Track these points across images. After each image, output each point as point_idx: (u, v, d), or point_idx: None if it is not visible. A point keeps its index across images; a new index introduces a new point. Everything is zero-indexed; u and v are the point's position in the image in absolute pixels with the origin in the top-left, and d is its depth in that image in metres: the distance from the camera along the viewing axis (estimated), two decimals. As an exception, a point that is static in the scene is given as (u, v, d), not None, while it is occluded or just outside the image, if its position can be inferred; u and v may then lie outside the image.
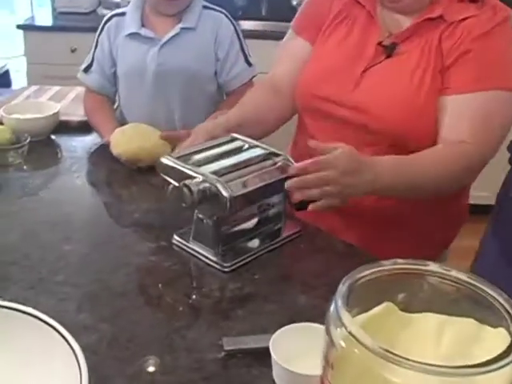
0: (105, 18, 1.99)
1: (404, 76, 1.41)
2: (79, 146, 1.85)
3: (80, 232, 1.37)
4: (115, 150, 1.68)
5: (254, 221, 1.34)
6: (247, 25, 3.53)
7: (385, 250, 1.36)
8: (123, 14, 1.95)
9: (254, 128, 1.54)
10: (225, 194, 1.18)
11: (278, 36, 1.72)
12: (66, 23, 3.52)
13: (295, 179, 1.23)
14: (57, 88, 2.25)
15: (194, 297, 1.16)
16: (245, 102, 1.62)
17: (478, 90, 1.35)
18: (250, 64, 2.01)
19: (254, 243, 1.32)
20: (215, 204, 1.20)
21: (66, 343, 0.89)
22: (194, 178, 1.21)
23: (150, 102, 1.96)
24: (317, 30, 1.57)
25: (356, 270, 0.78)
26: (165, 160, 1.28)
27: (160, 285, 1.20)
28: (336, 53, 1.52)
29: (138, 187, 1.59)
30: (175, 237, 1.33)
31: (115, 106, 2.06)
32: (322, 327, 0.71)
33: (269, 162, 1.31)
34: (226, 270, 1.24)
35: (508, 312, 0.70)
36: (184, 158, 1.28)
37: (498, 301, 0.72)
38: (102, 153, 1.78)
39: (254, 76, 2.03)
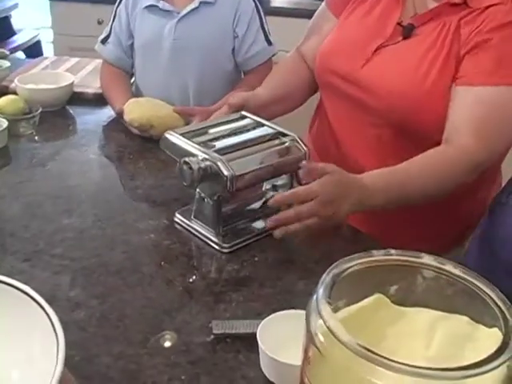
0: (123, -11, 1.96)
1: (414, 58, 1.36)
2: (92, 118, 1.84)
3: (82, 206, 1.35)
4: (128, 116, 1.67)
5: (259, 203, 1.31)
6: (278, 1, 3.47)
7: (395, 239, 1.34)
8: (142, -15, 1.92)
9: (285, 103, 1.57)
10: (226, 172, 1.14)
11: (310, 14, 1.68)
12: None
13: (275, 217, 1.18)
14: (76, 59, 2.23)
15: (189, 277, 1.14)
16: (275, 77, 1.63)
17: (491, 84, 1.29)
18: (270, 43, 1.96)
19: (257, 225, 1.29)
20: (216, 183, 1.17)
21: (45, 315, 0.86)
22: (196, 155, 1.18)
23: (165, 76, 1.92)
24: (345, 5, 1.54)
25: (344, 260, 0.75)
26: (169, 135, 1.25)
27: (156, 264, 1.18)
28: (355, 28, 1.49)
29: (146, 162, 1.57)
30: (177, 215, 1.30)
31: (132, 81, 2.03)
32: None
33: (276, 142, 1.27)
34: (224, 250, 1.22)
35: (502, 312, 0.67)
36: (189, 135, 1.25)
37: (493, 299, 0.69)
38: (114, 126, 1.77)
39: (273, 55, 1.98)
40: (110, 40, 1.96)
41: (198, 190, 1.25)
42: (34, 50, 4.40)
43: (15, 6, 4.30)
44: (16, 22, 4.43)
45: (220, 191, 1.18)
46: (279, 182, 1.31)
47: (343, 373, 0.62)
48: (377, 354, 0.60)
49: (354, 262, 0.74)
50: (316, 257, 1.21)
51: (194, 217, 1.27)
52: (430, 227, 1.50)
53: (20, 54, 4.30)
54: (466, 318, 0.71)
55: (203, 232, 1.25)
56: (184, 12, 1.86)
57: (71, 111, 1.88)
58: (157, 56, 1.90)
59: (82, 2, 3.39)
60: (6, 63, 2.05)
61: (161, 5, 1.86)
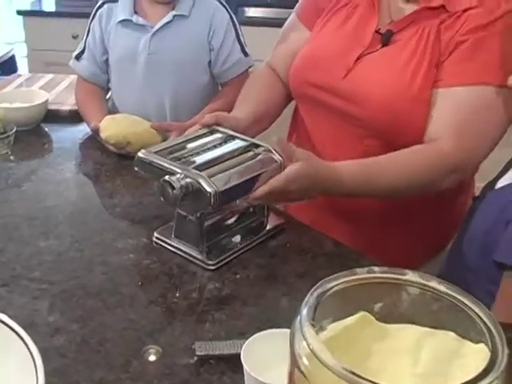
0: (97, 5, 1.93)
1: (397, 67, 1.35)
2: (68, 136, 1.82)
3: (59, 227, 1.33)
4: (104, 133, 1.65)
5: (235, 217, 1.29)
6: (252, 11, 3.48)
7: (380, 249, 1.33)
8: (115, 0, 1.90)
9: (264, 121, 1.56)
10: (208, 189, 1.13)
11: (283, 23, 1.67)
12: (68, 9, 3.46)
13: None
14: (50, 76, 2.21)
15: (170, 298, 1.12)
16: (251, 96, 1.59)
17: (468, 84, 1.29)
18: (246, 54, 1.94)
19: (238, 238, 1.28)
20: (198, 200, 1.15)
21: (24, 346, 0.84)
22: (175, 173, 1.16)
23: (141, 91, 1.90)
24: (317, 16, 1.52)
25: (327, 279, 0.73)
26: (143, 155, 1.23)
27: (136, 284, 1.16)
28: (331, 39, 1.47)
29: (124, 180, 1.55)
30: (156, 234, 1.28)
31: (107, 97, 2.01)
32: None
33: (250, 154, 1.26)
34: (210, 267, 1.20)
35: (488, 327, 0.66)
36: (163, 153, 1.23)
37: (478, 315, 0.68)
38: (90, 144, 1.75)
39: (250, 66, 1.97)
40: (84, 56, 1.93)
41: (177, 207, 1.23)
42: (8, 66, 4.35)
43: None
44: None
45: (202, 208, 1.17)
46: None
47: (329, 396, 0.60)
48: (363, 378, 0.58)
49: (338, 281, 0.73)
50: (299, 272, 1.20)
51: (175, 235, 1.25)
52: (412, 237, 1.50)
53: (-7, 71, 4.26)
54: (452, 334, 0.70)
55: (186, 250, 1.23)
56: (158, 26, 1.84)
57: (46, 129, 1.86)
58: (132, 71, 1.88)
59: (55, 16, 3.37)
60: (-21, 82, 2.02)
61: (134, 19, 1.84)
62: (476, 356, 0.66)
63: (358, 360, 0.69)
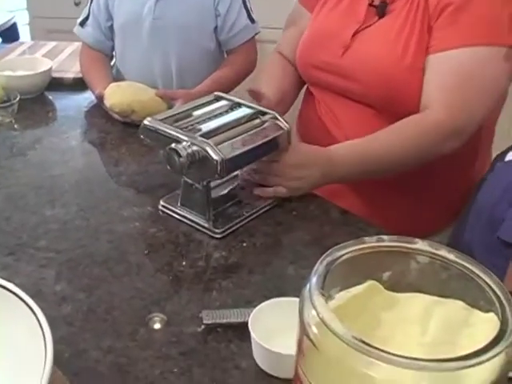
0: (101, -30, 1.91)
1: (390, 38, 1.35)
2: (72, 104, 1.80)
3: (64, 196, 1.32)
4: (109, 101, 1.64)
5: (237, 184, 1.30)
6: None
7: (387, 217, 1.33)
8: (120, -35, 1.87)
9: (285, 106, 1.56)
10: (215, 157, 1.12)
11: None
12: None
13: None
14: (53, 43, 2.18)
15: (176, 266, 1.11)
16: (271, 80, 1.59)
17: (459, 46, 1.27)
18: (252, 21, 1.92)
19: (244, 206, 1.27)
20: (204, 168, 1.14)
21: (31, 312, 0.84)
22: (181, 141, 1.15)
23: (146, 57, 1.89)
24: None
25: (336, 247, 0.73)
26: (148, 123, 1.21)
27: (143, 253, 1.15)
28: (328, 18, 1.48)
29: (129, 148, 1.54)
30: (162, 202, 1.27)
31: (112, 63, 1.99)
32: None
33: (257, 121, 1.25)
34: (217, 236, 1.19)
35: (498, 296, 0.66)
36: (169, 120, 1.22)
37: (488, 284, 0.68)
38: (94, 112, 1.74)
39: (256, 33, 1.95)
40: (88, 22, 1.92)
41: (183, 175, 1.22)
42: (10, 33, 4.32)
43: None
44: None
45: (209, 176, 1.16)
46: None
47: (337, 365, 0.60)
48: (372, 347, 0.58)
49: (347, 249, 0.72)
50: (305, 240, 1.19)
51: (181, 203, 1.25)
52: (425, 202, 1.49)
53: (-5, 38, 4.23)
54: (461, 303, 0.70)
55: (193, 218, 1.22)
56: (163, -10, 1.82)
57: (50, 97, 1.84)
58: (137, 36, 1.87)
59: (57, -18, 3.32)
60: (-18, 50, 2.00)
61: (139, -17, 1.82)
62: (485, 325, 0.65)
63: (366, 328, 0.69)
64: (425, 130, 1.29)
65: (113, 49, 1.96)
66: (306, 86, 1.63)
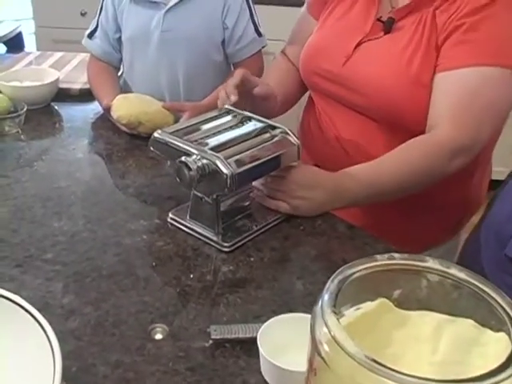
0: (110, -18, 1.92)
1: (395, 52, 1.35)
2: (79, 115, 1.80)
3: (72, 208, 1.32)
4: (116, 113, 1.64)
5: (251, 197, 1.30)
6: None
7: (391, 232, 1.32)
8: (129, -23, 1.88)
9: (285, 104, 1.59)
10: (225, 171, 1.12)
11: (298, 2, 1.67)
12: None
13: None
14: (60, 54, 2.19)
15: (184, 280, 1.11)
16: (271, 78, 1.61)
17: (467, 66, 1.28)
18: (260, 34, 1.93)
19: (253, 220, 1.27)
20: (214, 182, 1.14)
21: (38, 326, 0.84)
22: (191, 154, 1.15)
23: (154, 69, 1.89)
24: (323, 6, 1.54)
25: (348, 265, 0.72)
26: (159, 135, 1.22)
27: (150, 266, 1.15)
28: (334, 28, 1.49)
29: (136, 160, 1.54)
30: (171, 215, 1.27)
31: (119, 74, 2.00)
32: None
33: (267, 136, 1.25)
34: (226, 249, 1.19)
35: (509, 316, 0.66)
36: (179, 133, 1.22)
37: (499, 303, 0.67)
38: (101, 123, 1.73)
39: (263, 46, 1.95)
40: (96, 34, 1.92)
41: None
42: (15, 42, 4.34)
43: (-7, -2, 4.24)
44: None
45: (218, 190, 1.16)
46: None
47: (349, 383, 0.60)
48: (384, 366, 0.58)
49: (358, 267, 0.72)
50: (313, 254, 1.19)
51: (190, 216, 1.25)
52: (426, 217, 1.49)
53: (0, 47, 4.24)
54: (471, 322, 0.70)
55: (201, 232, 1.22)
56: (172, 3, 1.83)
57: (57, 108, 1.84)
58: (145, 49, 1.87)
59: (64, -7, 3.34)
60: (-12, 60, 2.01)
61: (148, -4, 1.83)
62: (496, 345, 0.65)
63: (376, 346, 0.69)
64: (432, 150, 1.29)
65: (121, 60, 1.97)
66: (308, 96, 1.63)
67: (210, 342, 0.97)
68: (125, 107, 1.63)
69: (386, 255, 0.74)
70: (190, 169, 1.11)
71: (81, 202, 1.35)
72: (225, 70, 1.96)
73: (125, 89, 1.95)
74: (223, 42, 1.90)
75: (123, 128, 1.65)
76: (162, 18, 1.83)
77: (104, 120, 1.74)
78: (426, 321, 0.72)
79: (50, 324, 0.83)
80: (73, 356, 0.93)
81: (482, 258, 1.24)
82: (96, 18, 1.94)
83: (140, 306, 1.05)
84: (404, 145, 1.30)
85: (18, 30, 4.38)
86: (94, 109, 1.83)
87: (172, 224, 1.26)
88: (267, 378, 0.90)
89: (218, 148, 1.18)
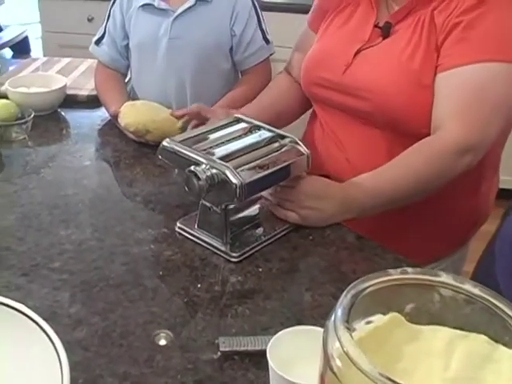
0: (118, -11, 1.92)
1: (393, 56, 1.35)
2: (86, 122, 1.80)
3: (79, 216, 1.32)
4: (123, 120, 1.63)
5: (257, 207, 1.29)
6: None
7: (399, 242, 1.32)
8: (137, -16, 1.88)
9: (281, 122, 1.60)
10: (234, 181, 1.11)
11: (304, 9, 1.67)
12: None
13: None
14: (67, 60, 2.19)
15: (192, 290, 1.10)
16: (262, 99, 1.65)
17: (469, 63, 1.26)
18: (267, 41, 1.93)
19: (261, 230, 1.26)
20: (223, 192, 1.14)
21: (48, 340, 0.83)
22: (200, 163, 1.14)
23: (162, 76, 1.89)
24: (322, 19, 1.55)
25: (361, 280, 0.72)
26: (167, 144, 1.21)
27: (158, 276, 1.14)
28: (333, 38, 1.49)
29: (144, 168, 1.53)
30: (178, 224, 1.27)
31: (126, 80, 1.99)
32: (325, 331, 0.66)
33: (276, 145, 1.24)
34: (234, 259, 1.18)
35: (523, 332, 0.64)
36: (187, 142, 1.22)
37: (513, 319, 0.66)
38: (108, 130, 1.73)
39: (271, 54, 1.95)
40: (104, 41, 1.92)
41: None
42: (21, 47, 4.35)
43: (1, 1, 4.25)
44: (2, 18, 4.38)
45: (228, 200, 1.15)
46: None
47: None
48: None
49: (371, 281, 0.71)
50: (322, 265, 1.18)
51: (198, 226, 1.24)
52: (433, 228, 1.48)
53: (7, 51, 4.26)
54: (484, 337, 0.69)
55: (209, 241, 1.22)
56: (180, 10, 1.82)
57: (64, 114, 1.84)
58: (153, 56, 1.87)
59: (70, -2, 3.34)
60: (-4, 66, 2.01)
61: (156, 3, 1.83)
62: (510, 361, 0.65)
63: (388, 361, 0.68)
64: (438, 152, 1.27)
65: (128, 67, 1.96)
66: (312, 110, 1.63)
67: (219, 354, 0.96)
68: (132, 115, 1.62)
69: (399, 269, 0.73)
70: (199, 178, 1.11)
71: (88, 210, 1.34)
72: (232, 77, 1.96)
73: (132, 95, 1.95)
74: (231, 49, 1.90)
75: (131, 136, 1.64)
76: (170, 25, 1.83)
77: (111, 127, 1.73)
78: (438, 336, 0.71)
79: (57, 334, 0.83)
80: (80, 367, 0.92)
81: (497, 270, 1.23)
82: (103, 25, 1.93)
83: (148, 317, 1.04)
84: (409, 149, 1.29)
85: (24, 35, 4.39)
86: (101, 115, 1.82)
87: (180, 233, 1.26)
88: (276, 392, 0.89)
89: (227, 157, 1.17)
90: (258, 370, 0.93)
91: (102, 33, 1.93)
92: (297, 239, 1.26)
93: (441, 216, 1.46)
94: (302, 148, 1.23)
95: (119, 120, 1.64)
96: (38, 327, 0.85)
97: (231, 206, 1.20)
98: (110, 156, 1.61)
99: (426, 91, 1.31)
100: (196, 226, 1.24)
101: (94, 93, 1.90)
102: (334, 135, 1.48)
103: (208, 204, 1.21)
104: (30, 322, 0.85)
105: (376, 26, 1.41)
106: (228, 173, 1.11)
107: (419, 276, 0.73)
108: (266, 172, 1.17)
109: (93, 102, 1.89)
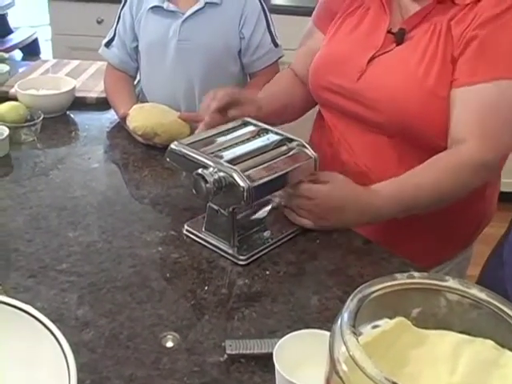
0: (128, -9, 1.92)
1: (410, 66, 1.33)
2: (95, 124, 1.80)
3: (87, 218, 1.32)
4: (132, 123, 1.64)
5: (267, 209, 1.29)
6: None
7: (405, 246, 1.32)
8: (147, -14, 1.88)
9: (279, 117, 1.58)
10: (242, 184, 1.12)
11: (309, 12, 1.67)
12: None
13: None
14: (76, 62, 2.19)
15: (199, 293, 1.11)
16: (268, 92, 1.61)
17: (485, 81, 1.26)
18: (276, 45, 1.93)
19: (269, 233, 1.27)
20: (231, 194, 1.14)
21: (55, 342, 0.84)
22: (208, 167, 1.15)
23: (170, 78, 1.89)
24: (331, 20, 1.53)
25: (368, 284, 0.72)
26: (176, 147, 1.22)
27: (165, 278, 1.15)
28: (344, 42, 1.46)
29: (152, 170, 1.54)
30: (186, 227, 1.27)
31: (135, 82, 2.00)
32: (331, 334, 0.66)
33: (283, 149, 1.25)
34: (241, 262, 1.19)
35: (530, 337, 0.64)
36: (195, 145, 1.22)
37: (519, 324, 0.66)
38: (117, 133, 1.74)
39: (279, 57, 1.95)
40: (114, 43, 1.92)
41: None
42: (31, 49, 4.37)
43: (12, 3, 4.26)
44: (12, 20, 4.39)
45: (235, 203, 1.16)
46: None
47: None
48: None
49: (378, 286, 0.71)
50: (329, 269, 1.19)
51: (206, 229, 1.24)
52: (440, 231, 1.48)
53: (17, 53, 4.27)
54: (491, 342, 0.69)
55: (217, 244, 1.22)
56: (189, 13, 1.83)
57: (73, 116, 1.85)
58: (162, 57, 1.87)
59: (80, 1, 3.35)
60: (6, 67, 2.01)
61: (165, 5, 1.83)
62: (516, 366, 0.64)
63: (394, 365, 0.68)
64: (461, 164, 1.27)
65: (137, 69, 1.97)
66: (317, 112, 1.62)
67: (225, 356, 0.96)
68: (141, 118, 1.63)
69: (406, 274, 0.74)
70: (206, 181, 1.11)
71: (96, 212, 1.35)
72: (241, 80, 1.96)
73: (141, 97, 1.96)
74: (239, 52, 1.90)
75: (139, 138, 1.65)
76: (179, 27, 1.84)
77: (120, 129, 1.74)
78: (445, 340, 0.71)
79: (64, 335, 0.83)
80: (87, 368, 0.93)
81: (505, 276, 1.23)
82: (113, 28, 1.94)
83: (155, 319, 1.04)
84: (432, 158, 1.29)
85: (34, 37, 4.41)
86: (109, 118, 1.83)
87: (187, 236, 1.26)
88: (283, 395, 0.89)
89: (234, 161, 1.17)
90: (264, 373, 0.93)
91: (111, 35, 1.94)
92: (304, 243, 1.26)
93: (447, 220, 1.46)
94: (310, 151, 1.24)
95: (127, 123, 1.65)
96: (45, 328, 0.85)
97: (239, 209, 1.21)
98: (118, 158, 1.61)
99: (441, 102, 1.31)
100: (203, 229, 1.25)
101: (103, 95, 1.90)
102: (343, 139, 1.47)
103: (215, 207, 1.21)
104: (38, 323, 0.86)
105: (389, 31, 1.39)
106: (235, 176, 1.12)
107: (426, 281, 0.73)
108: (274, 175, 1.17)
109: (102, 105, 1.89)
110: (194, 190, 1.15)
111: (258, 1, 1.89)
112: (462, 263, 1.58)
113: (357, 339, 0.63)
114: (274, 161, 1.20)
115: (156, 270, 1.17)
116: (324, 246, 1.25)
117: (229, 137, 1.27)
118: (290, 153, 1.23)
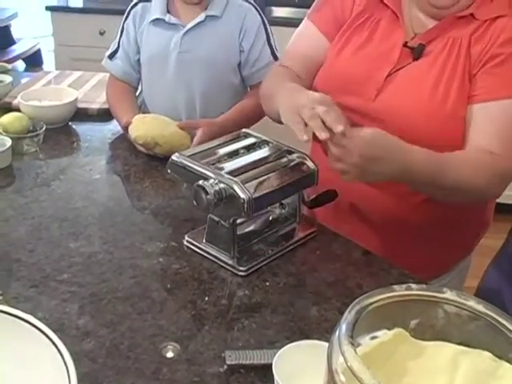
0: (131, 4, 1.94)
1: (428, 83, 1.30)
2: (97, 135, 1.81)
3: (88, 229, 1.33)
4: (134, 133, 1.65)
5: (267, 221, 1.29)
6: (279, 11, 3.46)
7: (404, 256, 1.32)
8: (149, -1, 1.90)
9: None
10: (242, 195, 1.13)
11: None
12: (95, 5, 3.47)
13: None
14: (78, 73, 2.21)
15: (199, 304, 1.11)
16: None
17: (502, 98, 1.26)
18: (276, 57, 1.93)
19: (268, 245, 1.27)
20: (231, 206, 1.15)
21: (56, 351, 0.84)
22: (209, 178, 1.16)
23: (172, 90, 1.90)
24: (336, 26, 1.46)
25: (366, 295, 0.73)
26: (177, 158, 1.23)
27: (166, 289, 1.15)
28: (357, 58, 1.40)
29: (153, 181, 1.55)
30: (187, 238, 1.28)
31: (137, 93, 2.01)
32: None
33: (284, 160, 1.26)
34: (241, 273, 1.20)
35: (527, 349, 0.65)
36: (196, 157, 1.23)
37: (517, 336, 0.67)
38: (118, 144, 1.75)
39: (279, 70, 1.96)
40: (117, 55, 1.94)
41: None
42: (33, 60, 4.40)
43: (15, 15, 4.29)
44: (15, 31, 4.42)
45: (235, 214, 1.17)
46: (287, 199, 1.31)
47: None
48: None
49: (376, 297, 0.72)
50: (329, 280, 1.19)
51: (206, 240, 1.25)
52: (441, 240, 1.48)
53: (20, 63, 4.30)
54: (488, 354, 0.70)
55: (217, 255, 1.23)
56: (190, 25, 1.84)
57: (75, 127, 1.86)
58: (163, 70, 1.89)
59: (83, 12, 3.38)
60: (8, 78, 2.03)
61: (167, 18, 1.85)
62: (514, 378, 0.65)
63: (392, 376, 0.69)
64: (494, 170, 1.26)
65: (139, 81, 1.98)
66: None
67: (225, 367, 0.97)
68: (142, 128, 1.64)
69: (404, 286, 0.74)
70: (207, 193, 1.12)
71: (97, 223, 1.36)
72: (241, 92, 1.97)
73: (143, 108, 1.97)
74: (239, 64, 1.91)
75: (140, 148, 1.66)
76: (180, 39, 1.85)
77: (122, 140, 1.75)
78: (443, 352, 0.72)
79: (65, 345, 0.84)
80: (87, 378, 0.93)
81: (502, 286, 1.23)
82: (116, 40, 1.96)
83: (155, 330, 1.05)
84: (466, 151, 1.27)
85: (36, 48, 4.44)
86: (111, 129, 1.84)
87: (188, 247, 1.27)
88: (282, 405, 0.90)
89: (235, 172, 1.18)
90: (263, 384, 0.94)
91: (115, 47, 1.95)
92: (304, 254, 1.27)
93: (447, 231, 1.46)
94: (310, 163, 1.24)
95: (129, 132, 1.66)
96: (46, 338, 0.86)
97: (239, 221, 1.21)
98: (119, 169, 1.62)
99: (460, 122, 1.29)
100: (204, 240, 1.25)
101: (105, 106, 1.92)
102: None
103: (216, 218, 1.22)
104: (39, 333, 0.86)
105: (405, 45, 1.35)
106: (236, 187, 1.13)
107: (424, 292, 0.74)
108: (274, 187, 1.18)
109: (103, 116, 1.91)
110: (194, 202, 1.16)
111: (258, 14, 1.91)
112: (461, 272, 1.58)
113: (355, 350, 0.63)
114: (275, 172, 1.21)
115: (157, 281, 1.18)
116: (324, 257, 1.26)
117: (229, 148, 1.28)
118: (291, 164, 1.24)
